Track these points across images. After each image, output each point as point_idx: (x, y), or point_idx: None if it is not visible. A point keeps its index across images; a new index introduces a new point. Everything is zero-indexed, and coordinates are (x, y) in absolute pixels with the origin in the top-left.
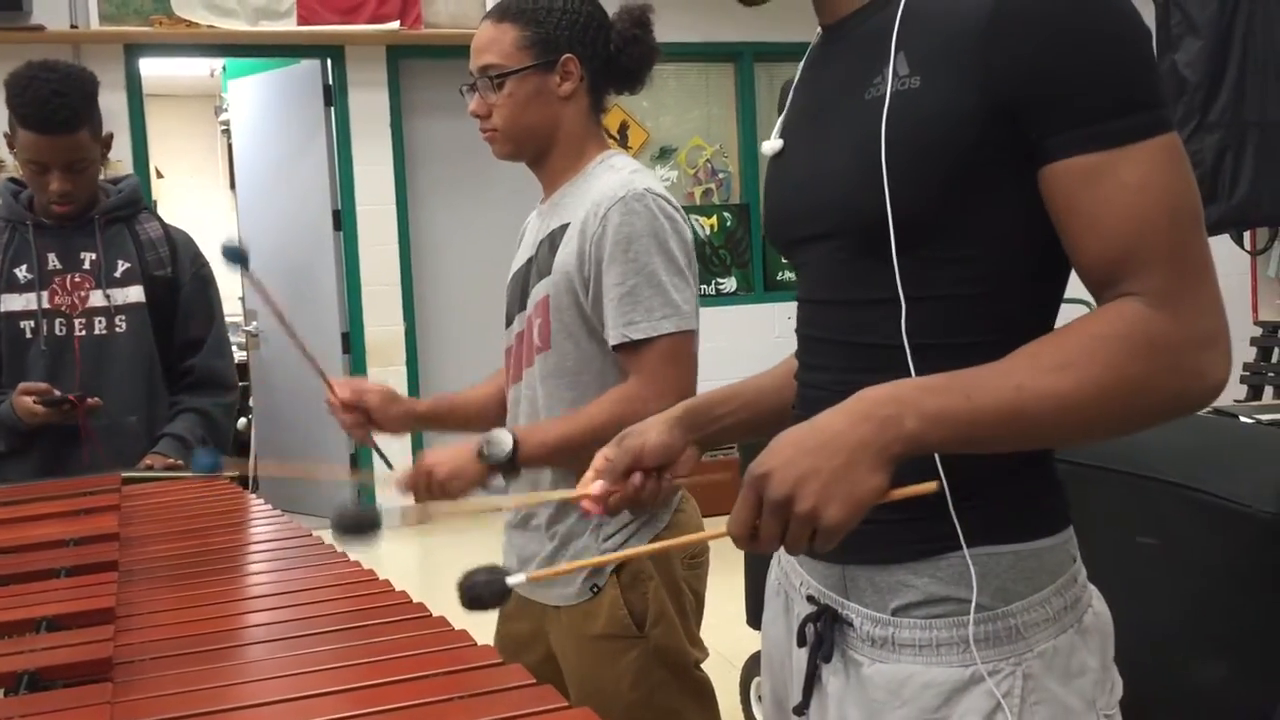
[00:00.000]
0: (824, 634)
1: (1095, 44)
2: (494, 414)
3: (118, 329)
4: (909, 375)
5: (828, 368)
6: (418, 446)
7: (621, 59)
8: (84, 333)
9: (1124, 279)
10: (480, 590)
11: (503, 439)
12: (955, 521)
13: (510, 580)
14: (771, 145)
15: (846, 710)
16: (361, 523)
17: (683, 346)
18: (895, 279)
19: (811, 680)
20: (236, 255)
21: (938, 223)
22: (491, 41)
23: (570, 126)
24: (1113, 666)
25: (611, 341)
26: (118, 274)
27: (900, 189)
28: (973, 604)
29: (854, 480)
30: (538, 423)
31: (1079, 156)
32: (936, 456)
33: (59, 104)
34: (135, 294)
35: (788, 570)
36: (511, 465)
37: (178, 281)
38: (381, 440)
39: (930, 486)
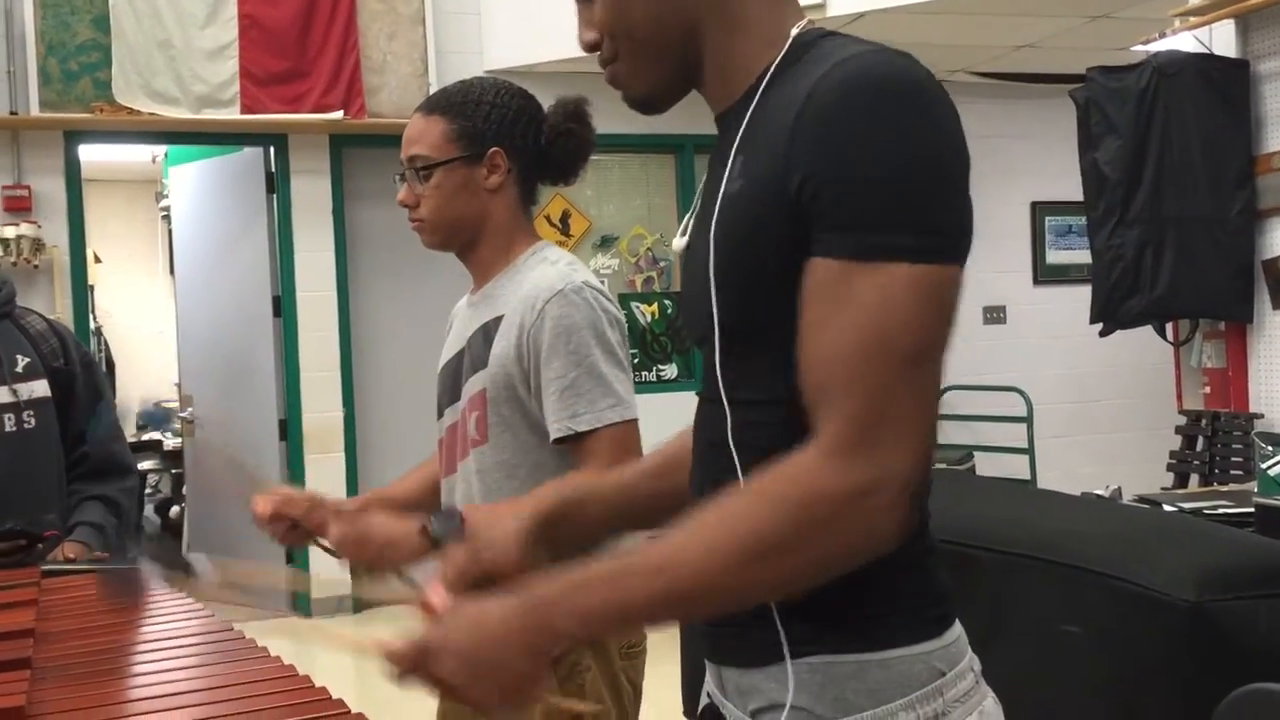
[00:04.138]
0: None
1: (880, 151)
2: (424, 505)
3: (27, 424)
4: (737, 478)
5: (695, 465)
6: (352, 491)
7: (553, 152)
8: None
9: (817, 409)
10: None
11: (453, 516)
12: (780, 630)
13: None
14: (678, 242)
15: None
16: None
17: (629, 435)
18: (718, 383)
19: None
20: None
21: (757, 327)
22: (420, 133)
23: (498, 218)
24: None
25: (554, 435)
26: (19, 369)
27: (722, 294)
28: (786, 710)
29: (499, 668)
30: (489, 505)
31: (827, 259)
32: None
33: None
34: (41, 388)
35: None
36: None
37: (72, 371)
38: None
39: (595, 708)
